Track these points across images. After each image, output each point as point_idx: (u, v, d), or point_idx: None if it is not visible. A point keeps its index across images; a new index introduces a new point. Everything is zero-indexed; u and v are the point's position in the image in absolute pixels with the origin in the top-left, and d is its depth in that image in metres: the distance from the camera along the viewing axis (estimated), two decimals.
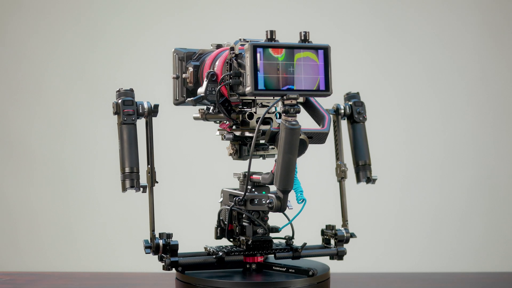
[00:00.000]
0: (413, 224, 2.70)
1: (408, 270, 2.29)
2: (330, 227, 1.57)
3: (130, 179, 1.42)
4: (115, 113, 1.43)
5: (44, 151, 2.80)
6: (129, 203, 2.77)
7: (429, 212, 2.70)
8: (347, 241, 1.56)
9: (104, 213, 2.78)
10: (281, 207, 1.32)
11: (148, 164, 1.44)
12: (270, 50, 1.28)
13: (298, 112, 1.28)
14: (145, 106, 1.43)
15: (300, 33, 1.33)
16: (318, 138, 1.38)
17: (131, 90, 1.44)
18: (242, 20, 2.69)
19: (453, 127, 2.71)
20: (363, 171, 1.59)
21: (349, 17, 2.71)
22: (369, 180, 1.59)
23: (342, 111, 1.60)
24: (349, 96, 1.63)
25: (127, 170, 1.41)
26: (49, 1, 2.81)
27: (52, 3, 2.80)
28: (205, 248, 1.47)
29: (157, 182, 1.45)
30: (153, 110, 1.43)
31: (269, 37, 1.30)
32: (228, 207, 1.45)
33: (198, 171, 2.71)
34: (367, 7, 2.71)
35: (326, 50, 1.32)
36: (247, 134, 1.42)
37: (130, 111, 1.41)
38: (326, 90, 1.31)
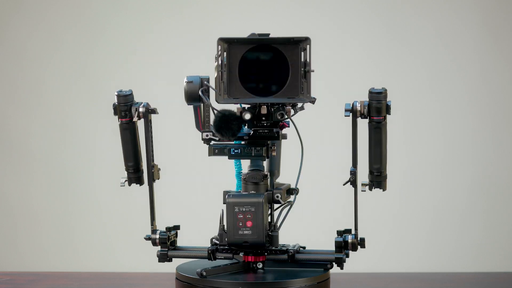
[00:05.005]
0: (413, 224, 2.69)
1: (408, 270, 2.29)
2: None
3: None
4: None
5: (44, 151, 2.80)
6: (129, 203, 2.77)
7: (429, 212, 2.69)
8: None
9: (104, 213, 2.78)
10: None
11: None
12: None
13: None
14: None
15: None
16: None
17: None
18: (241, 21, 2.69)
19: (453, 127, 2.70)
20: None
21: (349, 17, 2.71)
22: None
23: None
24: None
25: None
26: (49, 1, 2.81)
27: (52, 3, 2.80)
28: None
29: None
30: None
31: None
32: None
33: (205, 170, 2.70)
34: (367, 7, 2.71)
35: None
36: None
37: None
38: None
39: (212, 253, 1.43)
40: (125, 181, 1.52)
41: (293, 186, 1.48)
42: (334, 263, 1.44)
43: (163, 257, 1.48)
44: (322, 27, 2.69)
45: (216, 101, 1.37)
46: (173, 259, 1.50)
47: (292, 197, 1.47)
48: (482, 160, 2.70)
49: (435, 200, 2.69)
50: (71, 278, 1.89)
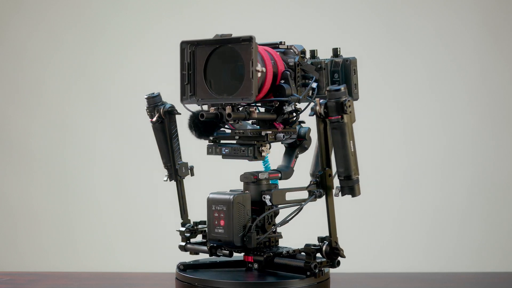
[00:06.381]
0: (413, 224, 2.70)
1: (408, 270, 2.29)
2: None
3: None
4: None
5: (44, 151, 2.80)
6: (129, 203, 2.77)
7: (429, 212, 2.70)
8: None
9: (104, 213, 2.78)
10: None
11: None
12: None
13: None
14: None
15: None
16: None
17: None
18: (241, 21, 2.69)
19: (453, 127, 2.71)
20: None
21: (349, 17, 2.71)
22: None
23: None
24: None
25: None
26: (49, 1, 2.81)
27: (52, 3, 2.81)
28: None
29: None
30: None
31: None
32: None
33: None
34: (367, 7, 2.71)
35: None
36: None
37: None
38: None
39: (211, 250, 1.44)
40: (167, 177, 1.55)
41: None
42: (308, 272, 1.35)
43: (181, 249, 1.52)
44: (322, 27, 2.69)
45: (181, 102, 1.38)
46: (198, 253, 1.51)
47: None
48: (482, 160, 2.70)
49: (435, 200, 2.70)
50: (71, 278, 1.89)
